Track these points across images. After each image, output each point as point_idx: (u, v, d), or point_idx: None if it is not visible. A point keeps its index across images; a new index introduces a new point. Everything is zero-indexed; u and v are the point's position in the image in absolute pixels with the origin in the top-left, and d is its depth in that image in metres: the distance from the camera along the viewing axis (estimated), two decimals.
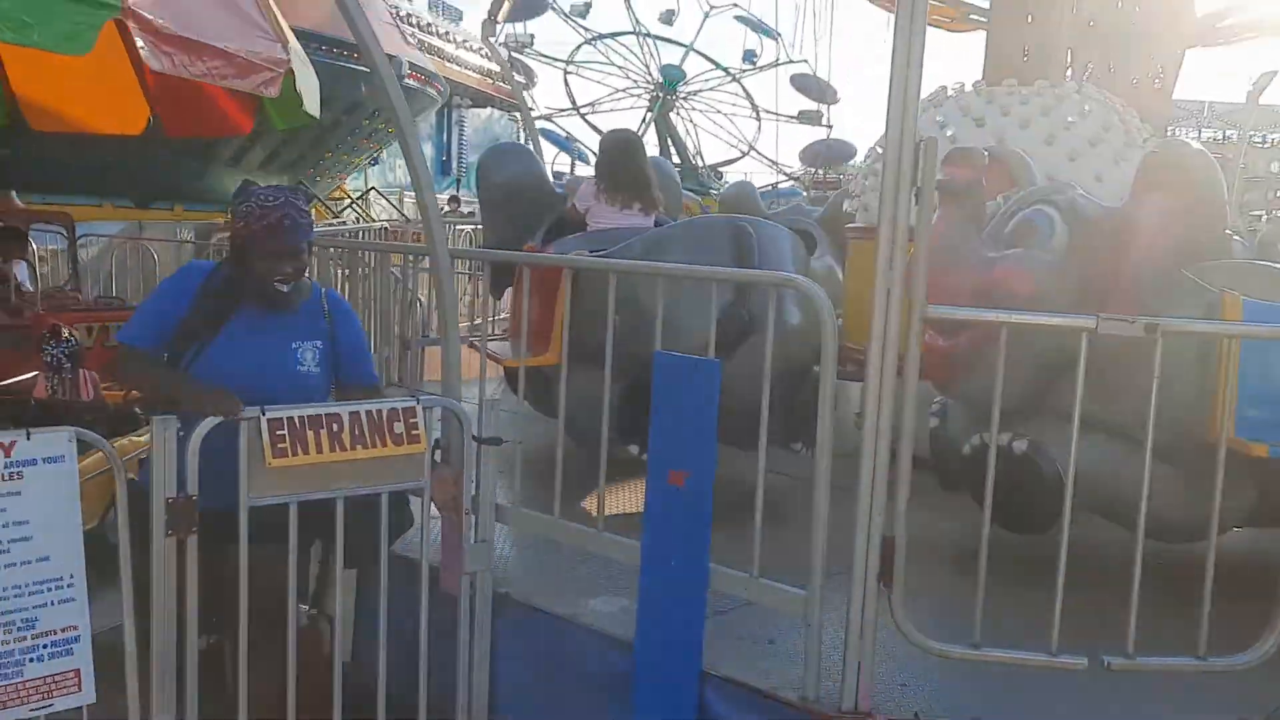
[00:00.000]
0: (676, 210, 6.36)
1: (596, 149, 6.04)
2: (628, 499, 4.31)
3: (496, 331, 8.83)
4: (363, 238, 8.35)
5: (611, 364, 3.77)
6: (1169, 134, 8.63)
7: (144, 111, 4.60)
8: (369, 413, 3.07)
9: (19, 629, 2.81)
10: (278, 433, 2.99)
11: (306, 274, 3.33)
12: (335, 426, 3.03)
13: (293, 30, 3.76)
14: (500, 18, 19.93)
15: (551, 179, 7.15)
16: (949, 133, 5.91)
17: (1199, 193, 3.77)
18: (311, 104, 3.90)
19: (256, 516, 2.98)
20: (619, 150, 5.71)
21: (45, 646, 2.84)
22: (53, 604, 2.84)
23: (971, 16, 16.28)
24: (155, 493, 2.96)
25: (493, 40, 17.70)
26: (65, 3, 2.70)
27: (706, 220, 5.97)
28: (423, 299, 8.64)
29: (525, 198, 5.90)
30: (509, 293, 5.78)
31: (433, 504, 3.41)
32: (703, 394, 3.17)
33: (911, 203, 2.84)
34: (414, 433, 3.12)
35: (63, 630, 2.86)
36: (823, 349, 3.00)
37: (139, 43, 2.90)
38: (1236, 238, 4.42)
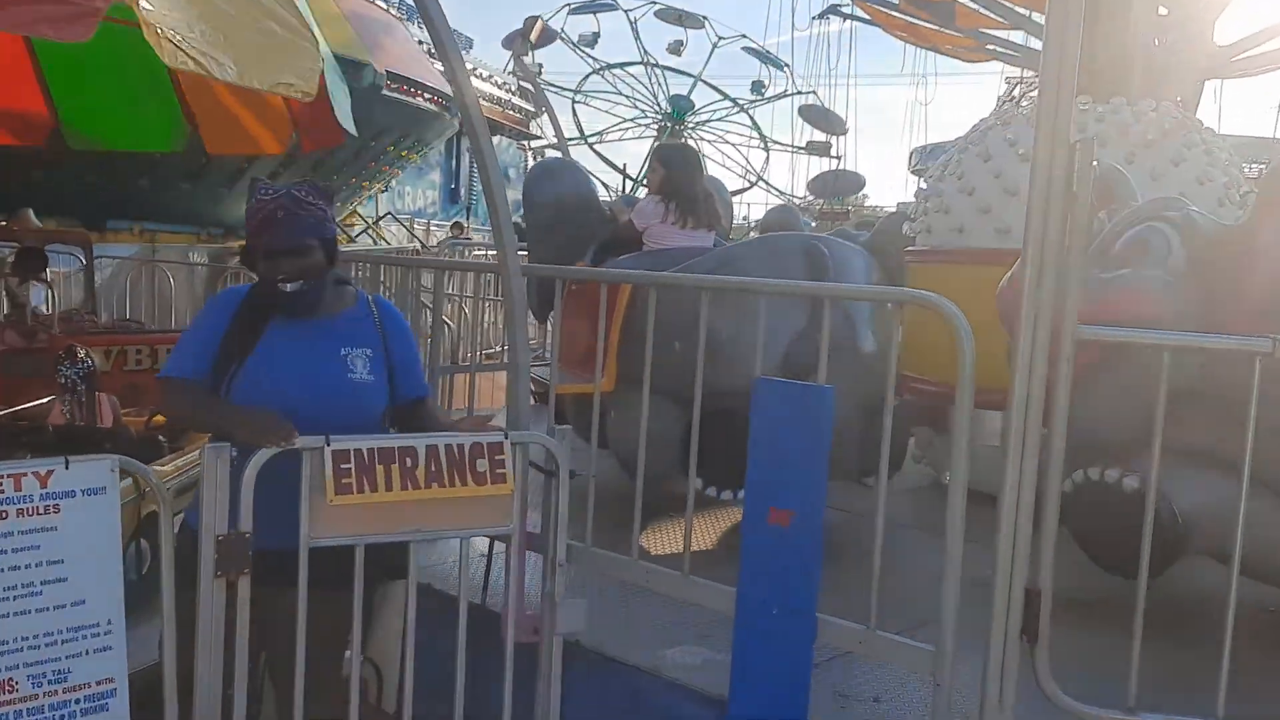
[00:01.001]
0: (729, 231, 6.07)
1: (656, 162, 5.71)
2: (707, 537, 3.96)
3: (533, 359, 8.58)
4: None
5: (677, 392, 3.47)
6: None
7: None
8: (449, 447, 2.71)
9: (50, 681, 2.48)
10: (343, 466, 2.65)
11: (342, 280, 3.01)
12: (409, 461, 2.67)
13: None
14: (533, 37, 19.77)
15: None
16: (1020, 150, 5.63)
17: None
18: (344, 119, 3.65)
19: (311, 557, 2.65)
20: (686, 164, 5.41)
21: (78, 702, 2.51)
22: (88, 653, 2.52)
23: (989, 47, 16.12)
24: (204, 530, 2.64)
25: (524, 64, 17.60)
26: None
27: (778, 238, 5.68)
28: (450, 323, 8.37)
29: (575, 217, 5.60)
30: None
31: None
32: (814, 424, 2.86)
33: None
34: (499, 472, 2.75)
35: (98, 684, 2.53)
36: (959, 374, 2.68)
37: None
38: None
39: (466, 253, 13.02)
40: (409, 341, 3.14)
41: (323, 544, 2.68)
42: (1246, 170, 5.80)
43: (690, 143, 36.10)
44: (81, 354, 5.84)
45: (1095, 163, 4.01)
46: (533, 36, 19.75)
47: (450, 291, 8.25)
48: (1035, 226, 2.52)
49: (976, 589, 2.70)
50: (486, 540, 3.58)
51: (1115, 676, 2.66)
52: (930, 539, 2.87)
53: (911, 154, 35.98)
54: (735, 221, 11.17)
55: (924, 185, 6.25)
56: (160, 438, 5.45)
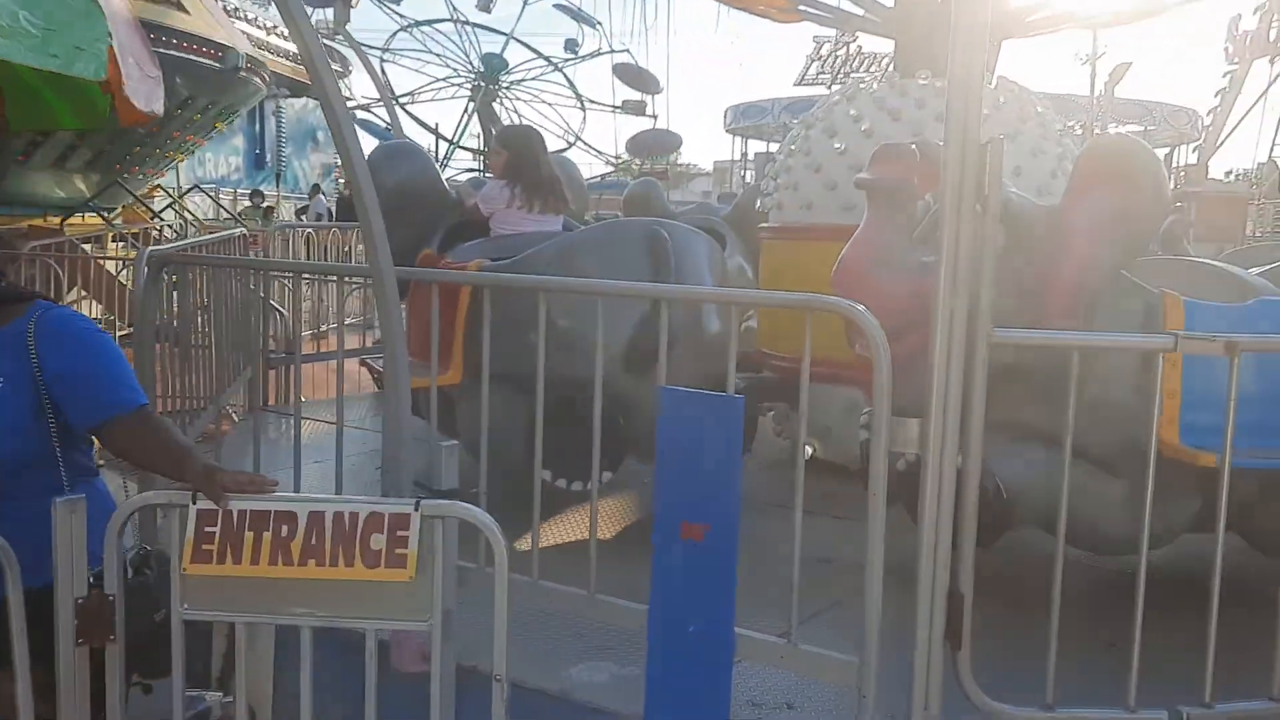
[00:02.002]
0: (583, 211, 5.91)
1: (498, 145, 5.47)
2: (608, 533, 3.83)
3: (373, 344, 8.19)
4: (207, 249, 7.49)
5: (521, 382, 3.48)
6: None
7: None
8: (338, 515, 2.23)
9: None
10: (207, 529, 2.27)
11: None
12: (285, 530, 2.25)
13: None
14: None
15: None
16: (863, 127, 5.68)
17: (1140, 187, 3.57)
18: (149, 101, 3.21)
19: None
20: (529, 146, 5.21)
21: None
22: None
23: (800, 7, 16.32)
24: (60, 593, 2.33)
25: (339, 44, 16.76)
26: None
27: (619, 225, 5.57)
28: (281, 310, 7.88)
29: (420, 202, 5.32)
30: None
31: None
32: (725, 434, 2.75)
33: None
34: (399, 552, 2.19)
35: None
36: (875, 388, 2.63)
37: None
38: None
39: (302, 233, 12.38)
40: (85, 355, 2.61)
41: (190, 617, 2.38)
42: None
43: (504, 102, 35.56)
44: None
45: (914, 145, 4.12)
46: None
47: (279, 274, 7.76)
48: (949, 231, 2.47)
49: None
50: None
51: (1035, 675, 2.69)
52: (808, 518, 2.88)
53: (726, 112, 36.54)
54: None
55: (777, 160, 6.24)
56: None
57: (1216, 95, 26.13)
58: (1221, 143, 26.09)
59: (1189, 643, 2.79)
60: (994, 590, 3.09)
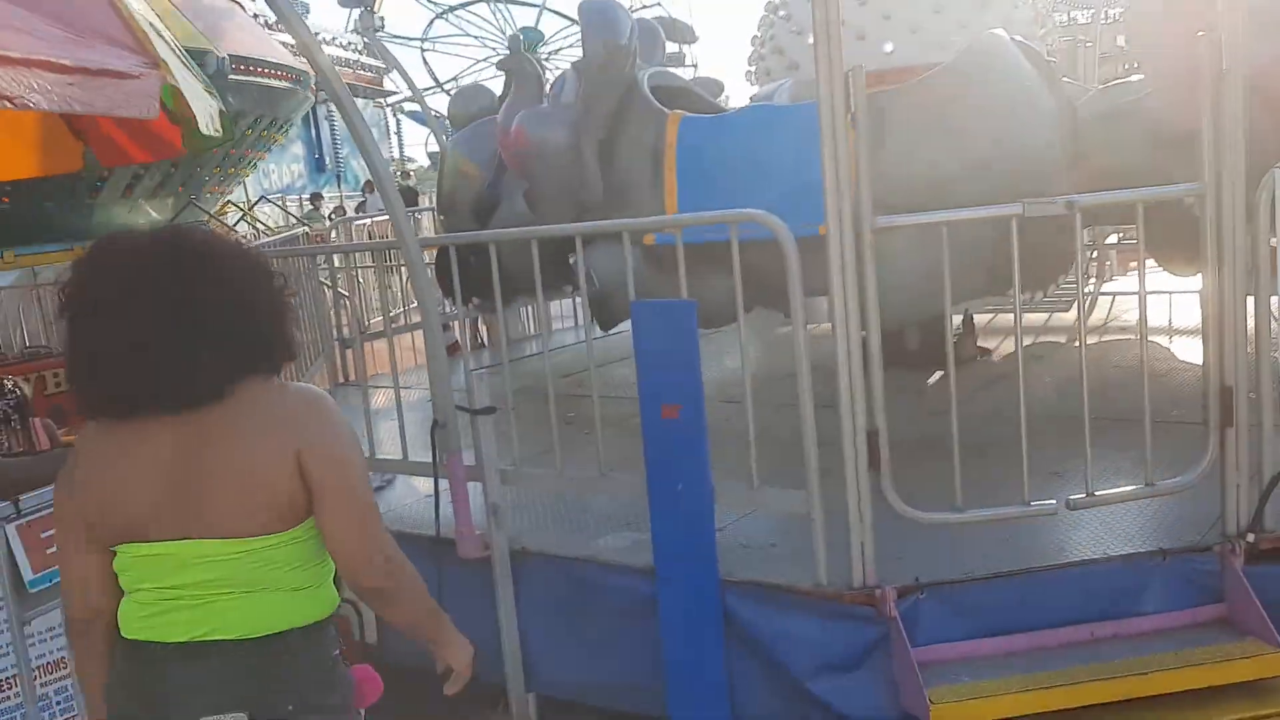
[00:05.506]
0: None
1: None
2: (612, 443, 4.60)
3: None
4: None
5: None
6: None
7: (77, 147, 4.55)
8: None
9: None
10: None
11: None
12: None
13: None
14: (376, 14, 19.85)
15: (428, 165, 7.47)
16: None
17: None
18: (207, 124, 3.52)
19: None
20: None
21: None
22: None
23: None
24: None
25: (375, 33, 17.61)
26: None
27: None
28: (345, 293, 8.75)
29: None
30: None
31: None
32: (682, 332, 3.48)
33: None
34: None
35: None
36: (789, 281, 3.33)
37: None
38: None
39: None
40: None
41: None
42: None
43: (547, 72, 36.07)
44: (9, 385, 6.17)
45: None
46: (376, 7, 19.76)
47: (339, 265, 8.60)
48: (828, 144, 3.14)
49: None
50: (431, 480, 4.14)
51: (951, 487, 3.39)
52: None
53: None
54: None
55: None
56: None
57: None
58: None
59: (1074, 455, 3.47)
60: (910, 438, 3.79)
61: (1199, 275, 3.33)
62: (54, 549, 2.69)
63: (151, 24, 3.24)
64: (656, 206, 4.79)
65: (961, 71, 4.59)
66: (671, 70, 5.87)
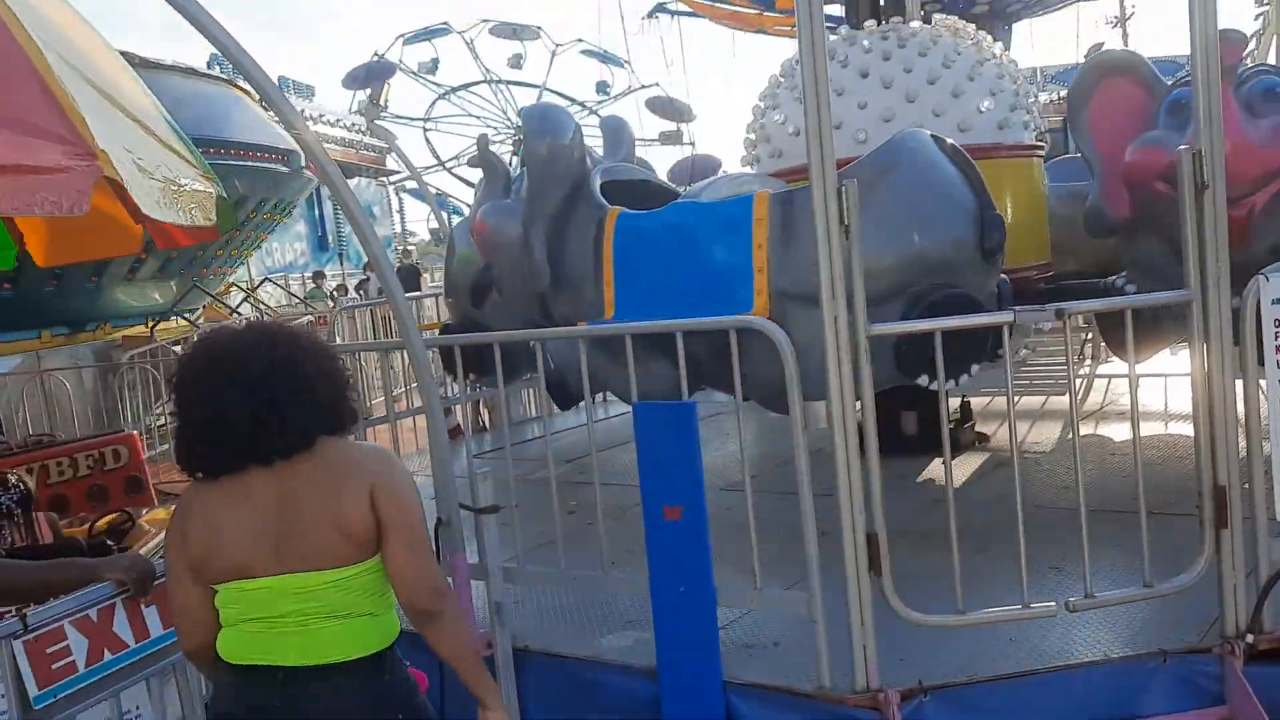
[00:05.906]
0: None
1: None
2: (617, 540, 4.63)
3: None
4: None
5: None
6: None
7: (137, 230, 4.40)
8: None
9: None
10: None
11: None
12: None
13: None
14: (382, 100, 20.45)
15: (430, 240, 7.64)
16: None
17: None
18: (205, 215, 3.42)
19: None
20: None
21: None
22: None
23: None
24: None
25: (378, 122, 18.15)
26: None
27: None
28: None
29: None
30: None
31: None
32: (683, 433, 3.53)
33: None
34: None
35: None
36: (788, 390, 3.39)
37: None
38: None
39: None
40: None
41: None
42: None
43: None
44: (13, 479, 6.16)
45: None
46: (381, 99, 20.27)
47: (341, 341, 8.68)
48: (823, 252, 3.23)
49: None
50: None
51: (951, 589, 3.40)
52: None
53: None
54: None
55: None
56: (108, 542, 5.83)
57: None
58: None
59: (1072, 548, 3.49)
60: (909, 530, 3.81)
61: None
62: (60, 664, 2.76)
63: (146, 110, 3.27)
64: (598, 296, 5.02)
65: (876, 166, 4.59)
66: (630, 165, 6.11)
